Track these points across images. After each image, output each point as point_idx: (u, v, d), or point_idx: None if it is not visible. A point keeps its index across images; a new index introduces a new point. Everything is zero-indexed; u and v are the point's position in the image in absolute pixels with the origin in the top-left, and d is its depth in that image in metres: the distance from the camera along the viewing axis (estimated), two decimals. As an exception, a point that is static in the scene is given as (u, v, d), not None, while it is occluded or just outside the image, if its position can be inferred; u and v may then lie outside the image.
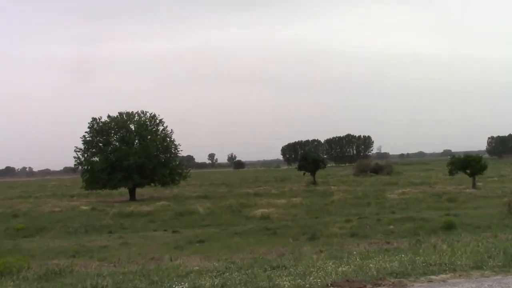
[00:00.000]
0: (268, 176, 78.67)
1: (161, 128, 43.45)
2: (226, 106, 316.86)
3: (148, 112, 43.36)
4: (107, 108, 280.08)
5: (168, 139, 42.91)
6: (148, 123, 43.01)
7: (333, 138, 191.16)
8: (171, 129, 43.89)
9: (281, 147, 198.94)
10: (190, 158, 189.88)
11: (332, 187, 41.58)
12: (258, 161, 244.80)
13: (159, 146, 41.91)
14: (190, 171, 46.50)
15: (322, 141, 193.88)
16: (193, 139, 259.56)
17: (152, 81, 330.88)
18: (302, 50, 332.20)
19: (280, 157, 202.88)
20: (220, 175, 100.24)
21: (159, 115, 43.51)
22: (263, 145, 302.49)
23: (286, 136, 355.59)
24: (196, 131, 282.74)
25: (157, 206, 30.80)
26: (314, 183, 48.87)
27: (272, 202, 28.98)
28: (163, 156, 42.59)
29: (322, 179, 55.46)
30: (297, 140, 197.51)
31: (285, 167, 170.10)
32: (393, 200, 28.93)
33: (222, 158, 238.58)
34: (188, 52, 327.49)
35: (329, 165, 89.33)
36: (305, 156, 52.63)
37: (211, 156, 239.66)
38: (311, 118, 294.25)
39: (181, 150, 44.50)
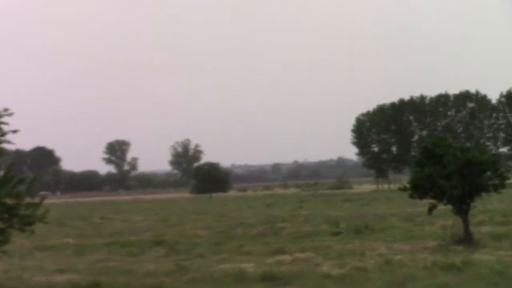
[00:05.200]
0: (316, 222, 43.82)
1: None
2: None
3: None
4: None
5: None
6: None
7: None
8: None
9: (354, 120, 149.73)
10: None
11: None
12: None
13: None
14: (45, 200, 23.57)
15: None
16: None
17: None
18: None
19: (346, 153, 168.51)
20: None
21: None
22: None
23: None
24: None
25: None
26: (467, 238, 26.63)
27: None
28: None
29: (493, 223, 34.92)
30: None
31: (368, 186, 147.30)
32: None
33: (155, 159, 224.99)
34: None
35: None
36: (427, 152, 25.84)
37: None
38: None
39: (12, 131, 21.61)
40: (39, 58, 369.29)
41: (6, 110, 19.88)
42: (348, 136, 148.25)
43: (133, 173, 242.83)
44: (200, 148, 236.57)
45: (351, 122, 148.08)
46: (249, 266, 21.22)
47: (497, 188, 26.88)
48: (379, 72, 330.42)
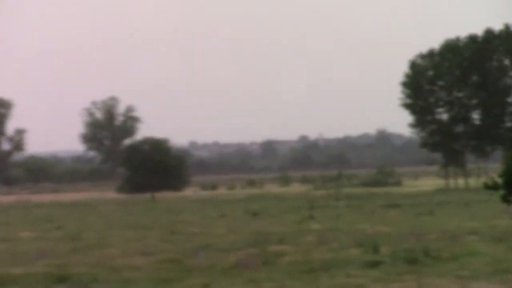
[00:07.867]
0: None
1: None
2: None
3: None
4: None
5: None
6: None
7: None
8: None
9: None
10: None
11: None
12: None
13: None
14: None
15: None
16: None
17: None
18: None
19: (391, 125, 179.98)
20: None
21: None
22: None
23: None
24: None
25: None
26: None
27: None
28: None
29: None
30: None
31: (430, 180, 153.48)
32: None
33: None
34: None
35: None
36: None
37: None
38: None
39: None
40: None
41: None
42: (395, 94, 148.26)
43: (18, 156, 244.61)
44: (135, 114, 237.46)
45: (399, 73, 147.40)
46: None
47: None
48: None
